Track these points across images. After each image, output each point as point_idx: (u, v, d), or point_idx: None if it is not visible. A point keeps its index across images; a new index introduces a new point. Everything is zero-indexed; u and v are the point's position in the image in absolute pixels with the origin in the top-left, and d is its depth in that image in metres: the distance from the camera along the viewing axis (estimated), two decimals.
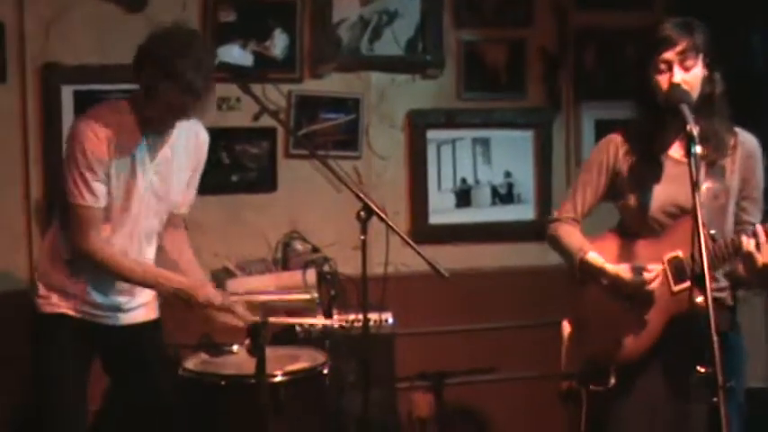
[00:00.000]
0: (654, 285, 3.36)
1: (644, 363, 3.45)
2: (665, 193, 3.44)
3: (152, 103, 3.60)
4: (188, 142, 3.88)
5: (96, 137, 3.57)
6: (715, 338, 2.84)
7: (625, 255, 3.50)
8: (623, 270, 3.42)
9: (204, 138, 3.98)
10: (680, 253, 3.36)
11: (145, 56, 3.59)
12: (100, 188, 3.63)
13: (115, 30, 4.81)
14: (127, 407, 3.99)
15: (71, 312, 3.77)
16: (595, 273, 3.50)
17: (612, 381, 3.50)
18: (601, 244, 3.59)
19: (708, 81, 3.38)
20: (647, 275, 3.36)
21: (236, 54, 4.99)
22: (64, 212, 3.70)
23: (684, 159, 3.16)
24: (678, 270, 3.37)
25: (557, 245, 3.70)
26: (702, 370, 2.87)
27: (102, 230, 3.70)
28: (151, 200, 3.79)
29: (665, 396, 3.42)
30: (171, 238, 4.03)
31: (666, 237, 3.43)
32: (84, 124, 3.61)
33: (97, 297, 3.79)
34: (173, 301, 3.77)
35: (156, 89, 3.55)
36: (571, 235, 3.64)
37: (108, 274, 3.74)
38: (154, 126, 3.71)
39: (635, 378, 3.47)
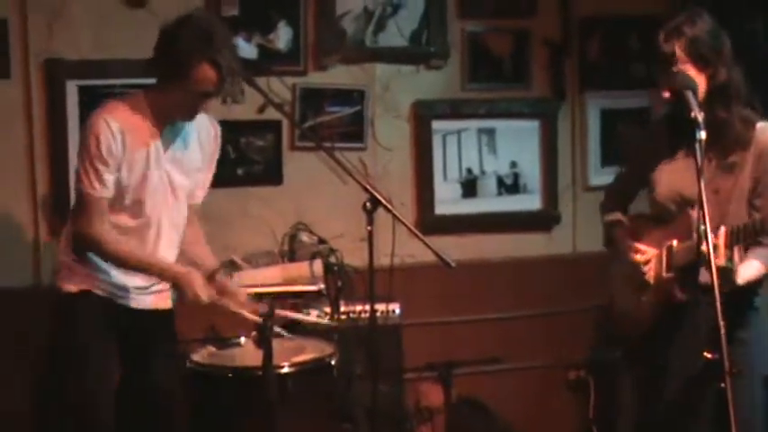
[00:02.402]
0: (647, 269, 3.44)
1: (647, 343, 3.49)
2: (671, 183, 3.47)
3: (178, 88, 3.62)
4: (200, 135, 3.91)
5: (110, 131, 3.62)
6: (722, 324, 2.84)
7: (643, 238, 3.59)
8: (630, 247, 3.59)
9: (216, 130, 4.01)
10: (675, 243, 3.38)
11: (173, 39, 3.60)
12: (109, 179, 3.67)
13: (118, 25, 4.81)
14: (132, 396, 3.99)
15: (94, 290, 3.81)
16: (614, 245, 3.70)
17: (617, 354, 3.58)
18: (634, 223, 3.73)
19: (710, 78, 3.37)
20: (639, 257, 3.46)
21: (240, 47, 4.98)
22: (75, 199, 3.78)
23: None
24: (670, 258, 3.41)
25: (601, 218, 3.87)
26: (709, 356, 2.88)
27: (120, 221, 3.77)
28: (167, 192, 3.82)
29: (666, 378, 3.47)
30: (190, 239, 4.06)
31: (672, 226, 3.47)
32: (100, 118, 3.65)
33: (113, 277, 3.83)
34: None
35: (187, 71, 3.56)
36: (608, 210, 3.83)
37: (106, 260, 3.78)
38: (178, 115, 3.74)
39: (636, 361, 3.53)
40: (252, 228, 5.07)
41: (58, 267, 3.90)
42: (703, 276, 3.14)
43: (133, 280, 3.86)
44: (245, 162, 5.09)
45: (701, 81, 3.34)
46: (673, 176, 3.47)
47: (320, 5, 5.12)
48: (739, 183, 3.38)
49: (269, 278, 4.44)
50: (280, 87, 5.06)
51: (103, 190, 3.68)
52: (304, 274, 4.51)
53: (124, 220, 3.78)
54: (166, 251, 3.90)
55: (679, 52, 3.33)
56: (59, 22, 4.74)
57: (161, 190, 3.80)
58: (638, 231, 3.63)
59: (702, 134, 3.02)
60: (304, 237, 4.92)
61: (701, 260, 3.10)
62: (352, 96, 5.23)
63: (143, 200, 3.77)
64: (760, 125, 3.39)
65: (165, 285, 3.95)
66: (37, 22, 4.73)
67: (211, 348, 4.18)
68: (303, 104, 5.14)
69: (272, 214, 5.10)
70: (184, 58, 3.57)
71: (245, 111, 4.99)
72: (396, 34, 5.29)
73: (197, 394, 4.04)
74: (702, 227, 2.97)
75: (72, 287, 3.81)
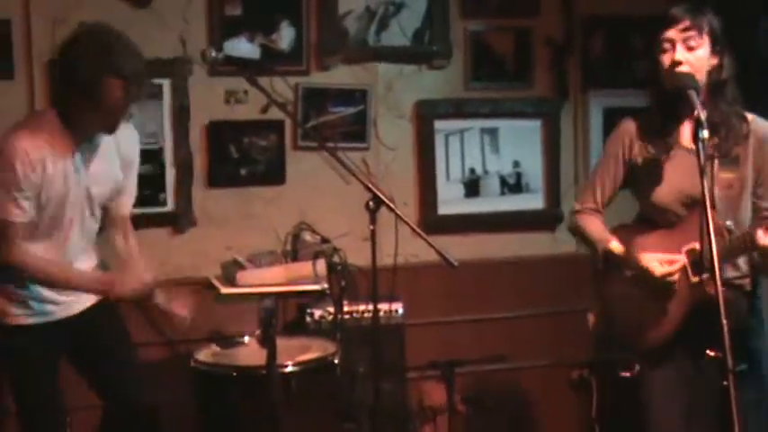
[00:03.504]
0: (676, 277, 3.39)
1: (667, 350, 3.46)
2: (677, 184, 3.44)
3: (91, 110, 3.60)
4: (117, 145, 3.88)
5: (28, 157, 3.56)
6: (724, 322, 2.85)
7: (644, 246, 3.51)
8: (650, 261, 3.44)
9: (132, 135, 3.98)
10: (696, 245, 3.36)
11: (72, 66, 3.57)
12: (27, 204, 3.62)
13: (121, 25, 4.75)
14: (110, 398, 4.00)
15: (30, 320, 3.77)
16: (620, 262, 3.56)
17: (638, 367, 3.52)
18: (622, 233, 3.62)
19: (717, 69, 3.39)
20: (670, 268, 3.39)
21: (243, 47, 4.99)
22: None
23: (694, 147, 3.16)
24: (695, 262, 3.38)
25: (580, 235, 3.76)
26: (712, 354, 2.88)
27: (33, 239, 3.70)
28: (83, 206, 3.79)
29: (685, 382, 3.44)
30: (121, 241, 4.06)
31: (683, 227, 3.43)
32: (17, 144, 3.57)
33: (56, 292, 3.80)
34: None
35: (95, 93, 3.54)
36: (592, 224, 3.70)
37: (33, 282, 3.74)
38: (99, 131, 3.72)
39: (658, 365, 3.49)
40: (255, 227, 5.07)
41: None
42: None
43: (65, 293, 3.84)
44: (248, 162, 5.09)
45: (707, 67, 3.36)
46: (675, 177, 3.46)
47: (322, 5, 5.13)
48: (745, 175, 3.40)
49: (272, 278, 4.45)
50: (282, 87, 5.05)
51: (21, 215, 3.61)
52: (307, 274, 4.51)
53: (40, 235, 3.72)
54: (78, 260, 3.86)
55: (705, 26, 3.35)
56: (63, 22, 4.74)
57: (78, 205, 3.77)
58: (626, 241, 3.58)
59: (705, 133, 3.03)
60: (307, 236, 4.92)
61: (752, 253, 3.19)
62: (355, 96, 5.23)
63: (61, 217, 3.73)
64: (751, 117, 3.45)
65: None
66: (40, 23, 4.74)
67: (215, 347, 4.20)
68: (306, 104, 5.14)
69: (275, 214, 5.10)
70: (89, 81, 3.53)
71: (248, 111, 5.03)
72: (398, 34, 5.29)
73: (201, 393, 4.06)
74: (729, 222, 2.98)
75: (8, 321, 3.75)
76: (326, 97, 5.18)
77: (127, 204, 4.04)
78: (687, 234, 3.39)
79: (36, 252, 3.70)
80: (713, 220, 2.99)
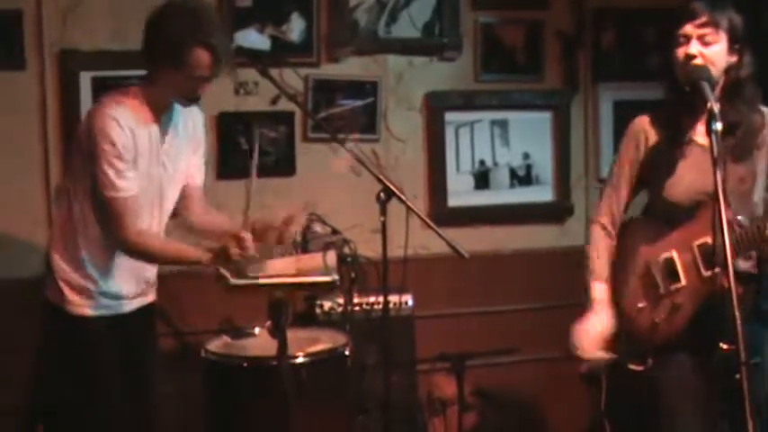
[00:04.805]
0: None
1: (680, 342, 3.46)
2: (691, 182, 3.43)
3: (174, 76, 3.62)
4: (186, 124, 3.92)
5: (120, 127, 3.59)
6: (737, 315, 2.84)
7: (658, 240, 3.52)
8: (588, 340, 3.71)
9: (199, 114, 4.03)
10: (708, 240, 3.35)
11: (163, 28, 3.62)
12: (132, 176, 3.64)
13: (133, 15, 4.79)
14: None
15: (96, 310, 3.78)
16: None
17: (650, 361, 3.52)
18: (635, 228, 3.62)
19: (735, 67, 3.37)
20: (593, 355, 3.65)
21: (253, 38, 4.99)
22: (99, 208, 3.67)
23: (708, 143, 3.16)
24: (708, 256, 3.37)
25: (586, 253, 3.76)
26: (725, 347, 2.88)
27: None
28: (162, 183, 3.82)
29: (698, 372, 3.43)
30: (200, 214, 4.08)
31: (696, 222, 3.41)
32: (107, 116, 3.61)
33: (120, 285, 3.81)
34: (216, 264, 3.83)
35: (182, 58, 3.57)
36: (597, 250, 3.72)
37: (148, 262, 3.79)
38: (177, 101, 3.75)
39: (670, 358, 3.48)
40: (265, 219, 5.06)
41: (60, 291, 3.78)
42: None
43: (135, 283, 3.86)
44: (258, 153, 5.08)
45: (724, 64, 3.35)
46: (690, 174, 3.44)
47: None
48: (760, 167, 3.40)
49: (283, 269, 4.45)
50: (292, 79, 5.06)
51: (129, 188, 3.63)
52: (318, 265, 4.52)
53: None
54: None
55: (724, 22, 3.33)
56: (74, 12, 4.75)
57: (159, 184, 3.80)
58: (646, 237, 3.57)
59: (719, 125, 3.02)
60: (317, 228, 4.92)
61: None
62: (365, 88, 5.23)
63: (146, 196, 3.75)
64: (765, 109, 3.46)
65: (154, 279, 3.96)
66: (51, 13, 4.74)
67: (226, 338, 4.21)
68: (316, 96, 5.14)
69: (285, 205, 5.09)
70: (177, 44, 3.58)
71: (258, 102, 5.02)
72: (408, 25, 5.29)
73: (212, 384, 4.06)
74: (741, 216, 2.97)
75: (78, 311, 3.76)
76: (336, 89, 5.18)
77: (199, 178, 4.06)
78: (701, 229, 3.38)
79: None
80: (726, 214, 2.99)
